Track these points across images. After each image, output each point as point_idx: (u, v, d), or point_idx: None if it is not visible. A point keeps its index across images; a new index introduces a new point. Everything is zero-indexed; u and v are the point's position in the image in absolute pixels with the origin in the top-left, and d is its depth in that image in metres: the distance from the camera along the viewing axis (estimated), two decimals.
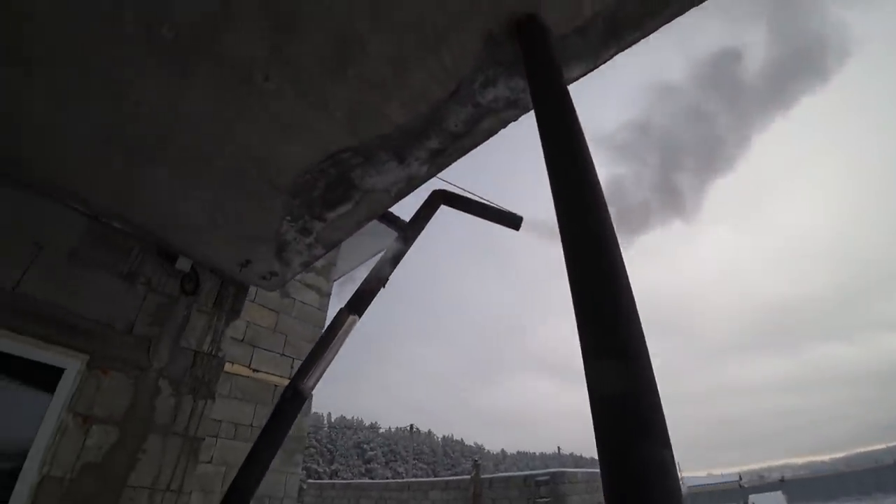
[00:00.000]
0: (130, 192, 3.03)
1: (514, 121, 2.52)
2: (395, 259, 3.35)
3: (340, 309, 3.00)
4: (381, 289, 3.22)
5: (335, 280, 10.47)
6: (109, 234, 3.33)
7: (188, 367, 3.42)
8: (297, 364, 8.05)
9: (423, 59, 2.15)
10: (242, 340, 7.39)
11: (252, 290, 7.60)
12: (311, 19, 1.97)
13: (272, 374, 7.59)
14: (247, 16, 1.97)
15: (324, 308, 9.27)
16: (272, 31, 2.02)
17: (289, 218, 3.03)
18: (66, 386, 2.97)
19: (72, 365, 3.02)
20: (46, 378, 2.94)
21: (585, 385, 1.08)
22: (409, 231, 3.51)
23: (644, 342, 1.12)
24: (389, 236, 8.99)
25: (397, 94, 2.29)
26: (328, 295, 9.51)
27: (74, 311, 3.07)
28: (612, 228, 1.34)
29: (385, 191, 2.80)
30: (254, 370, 7.34)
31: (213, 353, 3.58)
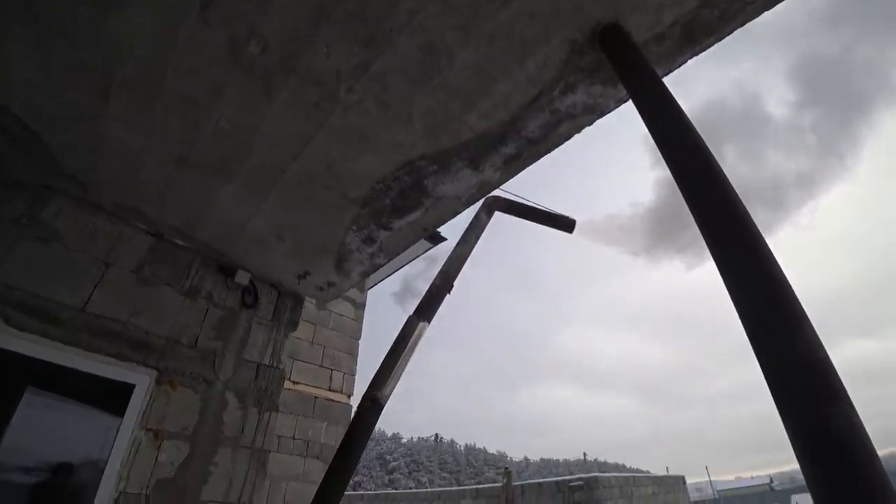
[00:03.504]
0: (197, 209, 3.07)
1: (590, 125, 2.49)
2: (460, 263, 3.33)
3: (409, 317, 2.99)
4: (448, 294, 3.21)
5: (368, 289, 10.52)
6: (171, 250, 3.37)
7: (252, 379, 3.43)
8: (336, 376, 8.07)
9: (508, 68, 2.15)
10: None
11: None
12: (401, 33, 1.98)
13: (312, 387, 7.60)
14: (337, 30, 1.98)
15: (359, 319, 9.30)
16: (361, 46, 2.03)
17: (354, 228, 3.04)
18: (137, 402, 2.99)
19: (142, 381, 3.04)
20: (117, 395, 2.97)
21: (756, 359, 1.06)
22: (470, 235, 3.50)
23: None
24: (419, 246, 9.00)
25: (479, 103, 2.28)
26: (362, 306, 9.53)
27: (141, 327, 3.10)
28: (745, 209, 1.30)
29: (456, 197, 2.78)
30: (294, 382, 7.36)
31: (275, 364, 3.59)
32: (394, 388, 2.85)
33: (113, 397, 2.97)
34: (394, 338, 2.94)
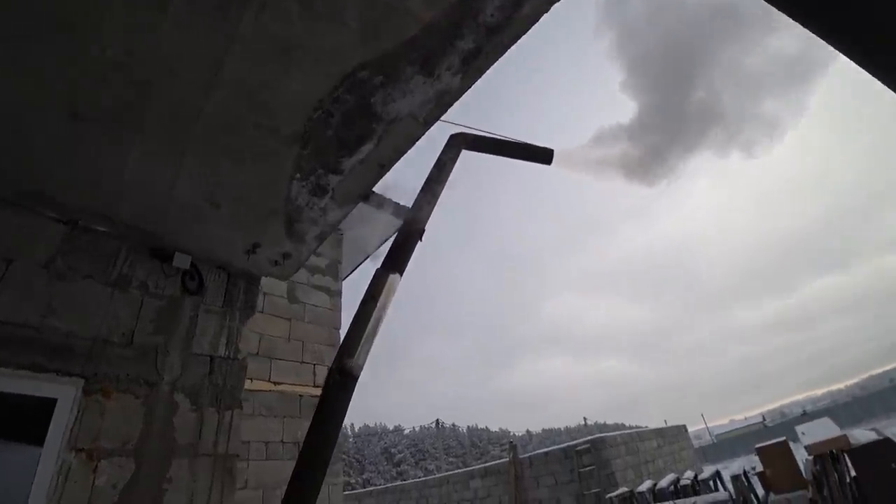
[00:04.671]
0: (110, 181, 2.51)
1: (558, 1, 2.04)
2: (429, 206, 2.88)
3: (377, 270, 2.53)
4: (419, 242, 2.75)
5: (343, 278, 9.99)
6: (91, 238, 2.81)
7: (205, 375, 2.92)
8: (320, 371, 7.57)
9: None
10: (258, 354, 6.88)
11: (259, 299, 7.09)
12: None
13: (295, 385, 7.09)
14: None
15: (336, 308, 8.79)
16: None
17: (299, 176, 2.53)
18: (62, 419, 2.46)
19: (65, 393, 2.50)
20: (35, 415, 2.44)
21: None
22: (436, 178, 3.05)
23: None
24: (390, 227, 8.50)
25: None
26: (338, 294, 9.02)
27: (59, 329, 2.56)
28: None
29: (412, 117, 2.30)
30: (275, 383, 6.84)
31: (232, 355, 3.08)
32: (367, 354, 2.39)
33: (30, 418, 2.44)
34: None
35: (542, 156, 3.59)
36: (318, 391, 7.30)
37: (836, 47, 0.99)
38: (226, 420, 2.91)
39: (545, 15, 2.05)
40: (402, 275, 2.54)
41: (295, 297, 7.86)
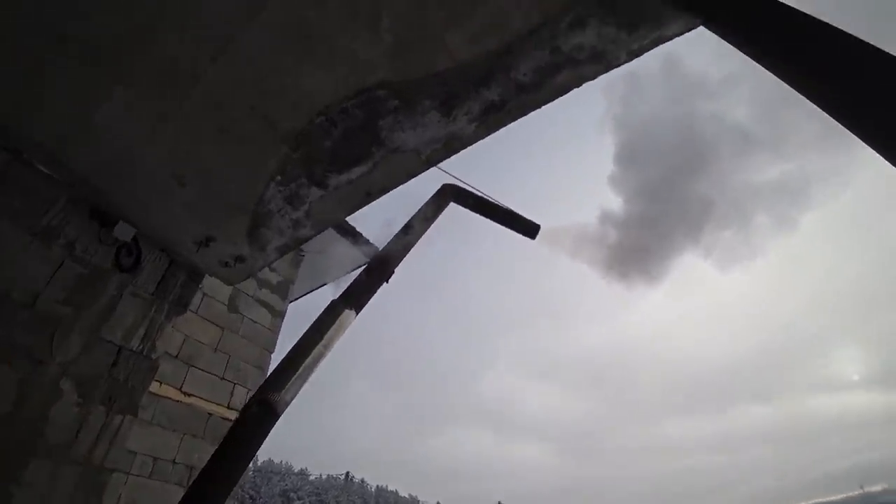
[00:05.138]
0: (74, 122, 2.26)
1: (592, 79, 2.03)
2: (403, 250, 2.72)
3: (333, 301, 2.30)
4: (385, 283, 2.56)
5: (291, 301, 9.50)
6: (29, 176, 2.50)
7: (107, 366, 2.54)
8: (239, 392, 6.94)
9: None
10: (176, 357, 6.25)
11: (196, 298, 6.58)
12: None
13: (207, 401, 6.43)
14: None
15: (275, 330, 8.24)
16: None
17: (280, 178, 2.35)
18: None
19: None
20: None
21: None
22: (418, 222, 2.92)
23: None
24: (352, 262, 8.23)
25: (468, 18, 1.75)
26: (282, 315, 8.51)
27: None
28: None
29: (416, 151, 2.19)
30: (186, 394, 6.17)
31: (145, 351, 2.71)
32: (297, 393, 2.11)
33: None
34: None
35: (528, 229, 3.55)
36: (231, 414, 6.65)
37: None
38: (114, 424, 2.49)
39: (574, 89, 2.03)
40: (357, 313, 2.33)
41: (235, 306, 7.34)
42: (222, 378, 6.79)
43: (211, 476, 1.80)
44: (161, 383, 6.05)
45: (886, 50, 0.89)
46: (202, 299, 6.81)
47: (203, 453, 6.11)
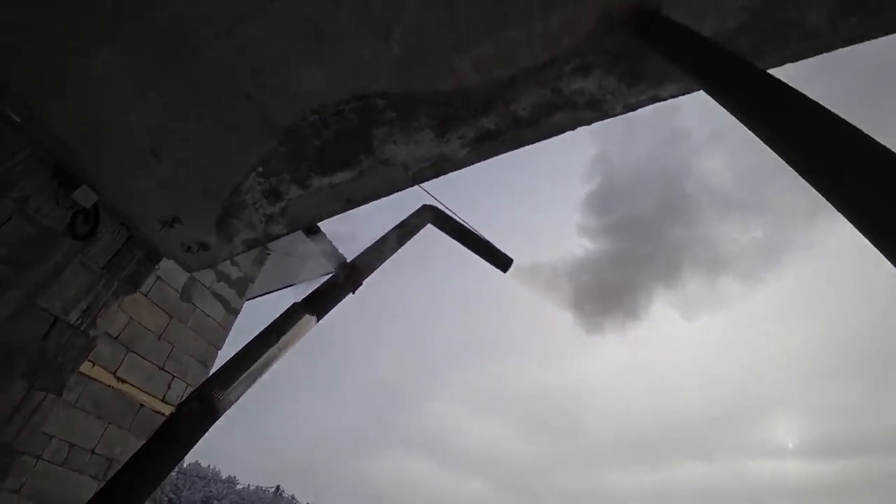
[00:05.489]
0: (54, 75, 2.15)
1: (587, 125, 2.08)
2: (375, 262, 2.67)
3: (295, 304, 2.22)
4: (351, 294, 2.50)
5: (248, 299, 9.18)
6: None
7: (38, 338, 2.35)
8: (177, 386, 6.58)
9: (529, 12, 1.69)
10: (116, 338, 5.90)
11: (149, 281, 6.28)
12: None
13: (141, 391, 6.06)
14: None
15: (227, 326, 7.91)
16: None
17: (261, 170, 2.28)
18: None
19: None
20: None
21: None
22: (394, 237, 2.89)
23: None
24: (319, 269, 8.08)
25: (479, 44, 1.78)
26: (236, 312, 8.19)
27: None
28: None
29: (404, 166, 2.18)
30: (119, 379, 5.81)
31: (84, 327, 2.54)
32: (242, 394, 2.00)
33: None
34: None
35: (501, 261, 3.57)
36: (165, 408, 6.28)
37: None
38: (33, 401, 2.30)
39: (569, 132, 2.08)
40: (318, 320, 2.25)
41: (189, 295, 7.03)
42: (162, 368, 6.43)
43: (134, 471, 1.66)
44: (94, 364, 5.67)
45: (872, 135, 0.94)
46: (155, 282, 6.49)
47: (126, 446, 5.71)
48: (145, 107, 2.17)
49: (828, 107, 1.05)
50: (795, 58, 1.87)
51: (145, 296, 6.56)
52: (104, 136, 2.35)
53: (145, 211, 2.66)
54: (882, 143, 0.92)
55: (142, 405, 6.01)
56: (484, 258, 3.59)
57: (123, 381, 5.88)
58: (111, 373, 5.84)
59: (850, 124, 0.99)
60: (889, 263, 0.90)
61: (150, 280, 6.36)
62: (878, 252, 0.92)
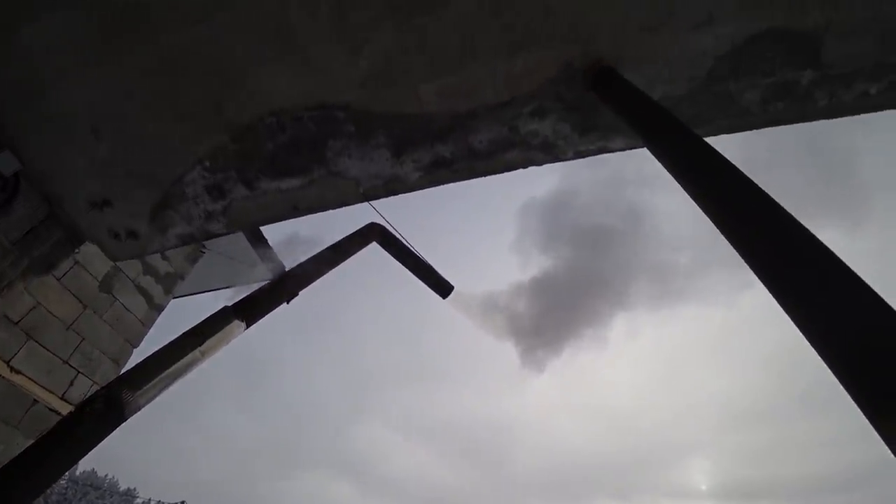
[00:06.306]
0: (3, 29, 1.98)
1: (538, 165, 2.19)
2: (314, 273, 2.63)
3: (225, 307, 2.13)
4: (285, 304, 2.43)
5: (175, 297, 8.64)
6: None
7: None
8: (81, 382, 6.01)
9: (494, 53, 1.79)
10: (16, 323, 5.35)
11: (65, 265, 5.79)
12: None
13: (38, 385, 5.49)
14: None
15: (148, 323, 7.35)
16: None
17: (208, 164, 2.21)
18: None
19: None
20: None
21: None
22: (334, 254, 2.87)
23: None
24: (255, 275, 7.81)
25: (445, 75, 1.85)
26: (159, 309, 7.66)
27: None
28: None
29: (355, 182, 2.18)
30: (13, 369, 5.24)
31: None
32: (153, 398, 1.88)
33: None
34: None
35: (442, 287, 3.62)
36: (63, 408, 5.71)
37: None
38: None
39: (520, 170, 2.17)
40: (248, 327, 2.17)
41: (109, 285, 6.51)
42: (66, 362, 5.87)
43: (18, 470, 1.50)
44: None
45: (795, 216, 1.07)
46: (72, 267, 5.97)
47: (12, 446, 5.12)
48: (91, 81, 2.05)
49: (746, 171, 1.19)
50: (728, 130, 2.07)
51: (58, 280, 6.03)
52: (40, 103, 2.19)
53: (74, 188, 2.48)
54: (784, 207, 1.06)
55: (36, 401, 5.44)
56: (425, 282, 3.62)
57: (17, 372, 5.32)
58: (5, 361, 5.27)
59: (762, 191, 1.12)
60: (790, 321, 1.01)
61: (67, 264, 5.85)
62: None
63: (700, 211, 1.30)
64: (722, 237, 1.23)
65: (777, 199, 1.12)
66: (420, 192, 2.20)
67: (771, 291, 1.04)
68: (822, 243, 0.97)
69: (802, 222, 1.06)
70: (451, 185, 2.19)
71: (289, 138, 2.05)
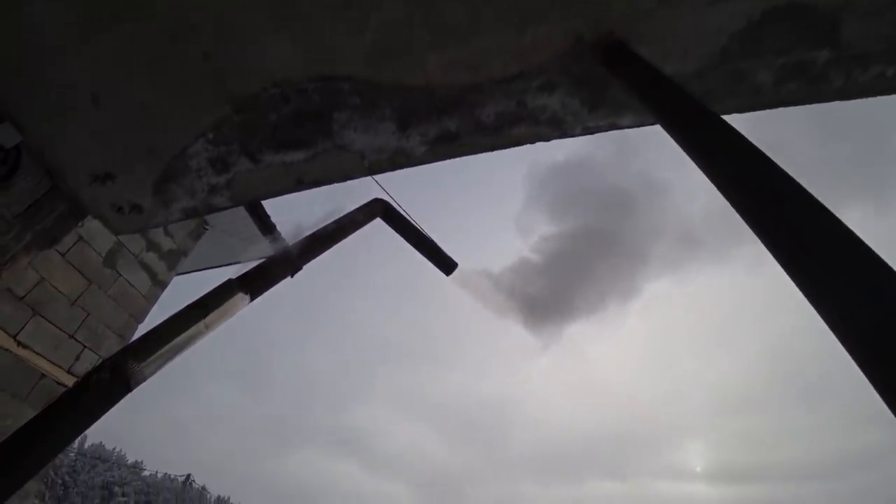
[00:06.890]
0: None
1: (545, 141, 2.15)
2: (318, 248, 2.62)
3: (229, 279, 2.13)
4: (289, 278, 2.43)
5: (178, 274, 8.67)
6: None
7: None
8: (87, 357, 6.08)
9: (505, 25, 1.74)
10: (22, 299, 5.39)
11: (69, 239, 5.79)
12: None
13: (45, 359, 5.56)
14: None
15: (152, 299, 7.40)
16: None
17: (211, 136, 2.18)
18: None
19: None
20: None
21: None
22: (338, 230, 2.85)
23: None
24: (259, 251, 7.82)
25: (452, 47, 1.81)
26: (163, 286, 7.70)
27: None
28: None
29: (360, 155, 2.15)
30: (19, 343, 5.30)
31: None
32: (159, 369, 1.89)
33: None
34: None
35: (445, 264, 3.62)
36: (70, 381, 5.80)
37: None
38: None
39: (528, 145, 2.14)
40: (252, 300, 2.17)
41: (113, 261, 6.53)
42: (72, 336, 5.93)
43: (22, 442, 1.51)
44: None
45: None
46: (76, 242, 5.98)
47: (21, 419, 5.18)
48: (90, 48, 2.01)
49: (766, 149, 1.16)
50: (738, 110, 2.03)
51: (62, 256, 6.04)
52: (39, 72, 2.15)
53: (76, 161, 2.46)
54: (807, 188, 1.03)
55: (43, 375, 5.51)
56: (429, 259, 3.61)
57: (24, 347, 5.38)
58: (11, 336, 5.32)
59: (783, 170, 1.09)
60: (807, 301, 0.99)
61: (71, 239, 5.86)
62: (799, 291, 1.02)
63: (714, 189, 1.28)
64: (731, 216, 1.21)
65: (798, 180, 1.10)
66: (425, 166, 2.17)
67: (789, 274, 1.02)
68: (845, 226, 0.95)
69: (825, 204, 1.03)
70: (456, 160, 2.16)
71: (293, 110, 2.02)
